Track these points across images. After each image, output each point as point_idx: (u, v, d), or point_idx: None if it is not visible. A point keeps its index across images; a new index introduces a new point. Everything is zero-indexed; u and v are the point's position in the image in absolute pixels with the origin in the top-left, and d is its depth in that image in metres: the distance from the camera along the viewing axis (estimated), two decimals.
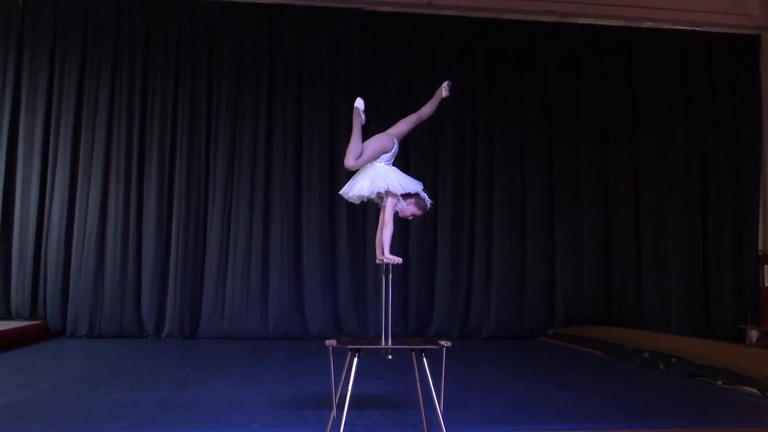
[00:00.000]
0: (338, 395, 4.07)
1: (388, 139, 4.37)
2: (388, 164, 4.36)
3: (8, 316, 9.08)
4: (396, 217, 4.33)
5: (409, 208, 4.36)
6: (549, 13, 10.29)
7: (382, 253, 4.19)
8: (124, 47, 9.59)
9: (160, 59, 9.66)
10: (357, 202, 4.49)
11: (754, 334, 10.07)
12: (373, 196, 4.32)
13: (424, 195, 4.38)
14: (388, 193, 4.24)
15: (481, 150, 10.26)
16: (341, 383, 4.09)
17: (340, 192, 4.48)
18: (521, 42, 10.44)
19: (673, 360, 6.90)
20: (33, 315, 9.14)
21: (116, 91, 9.54)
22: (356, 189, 4.32)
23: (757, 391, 5.71)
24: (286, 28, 9.92)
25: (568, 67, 10.53)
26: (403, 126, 4.51)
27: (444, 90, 4.49)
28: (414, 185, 4.35)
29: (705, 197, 10.61)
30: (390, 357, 4.06)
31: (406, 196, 4.32)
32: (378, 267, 4.32)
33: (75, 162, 9.39)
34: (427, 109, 4.53)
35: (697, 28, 10.66)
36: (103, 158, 9.40)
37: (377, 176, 4.27)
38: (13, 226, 9.23)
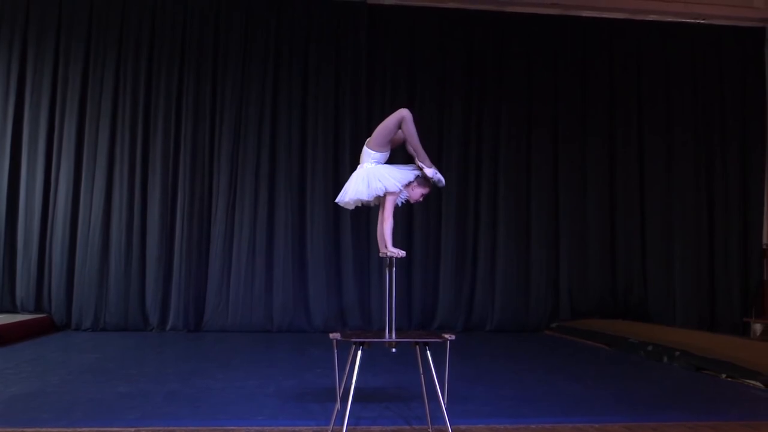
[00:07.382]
0: (343, 388, 4.08)
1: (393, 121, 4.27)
2: (379, 163, 4.30)
3: (13, 309, 9.11)
4: (397, 208, 4.30)
5: (415, 192, 4.32)
6: (553, 5, 10.25)
7: (385, 247, 4.19)
8: (129, 36, 9.56)
9: (165, 51, 9.63)
10: (352, 207, 4.43)
11: (758, 327, 10.06)
12: (371, 199, 4.25)
13: (424, 172, 4.28)
14: (387, 193, 4.20)
15: (486, 143, 10.24)
16: (345, 376, 4.10)
17: (336, 200, 4.41)
18: (526, 35, 10.39)
19: (677, 353, 6.91)
20: (38, 308, 9.17)
21: (120, 81, 9.53)
22: (352, 193, 4.24)
23: (761, 385, 5.71)
24: (292, 21, 9.89)
25: (574, 60, 10.49)
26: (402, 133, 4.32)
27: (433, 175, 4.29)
28: (409, 174, 4.29)
29: (711, 190, 10.58)
30: (394, 350, 4.06)
31: (407, 184, 4.29)
32: (382, 260, 4.32)
33: (79, 154, 9.39)
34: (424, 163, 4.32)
35: (702, 21, 10.62)
36: (108, 151, 9.40)
37: (372, 178, 4.20)
38: (18, 219, 9.25)
